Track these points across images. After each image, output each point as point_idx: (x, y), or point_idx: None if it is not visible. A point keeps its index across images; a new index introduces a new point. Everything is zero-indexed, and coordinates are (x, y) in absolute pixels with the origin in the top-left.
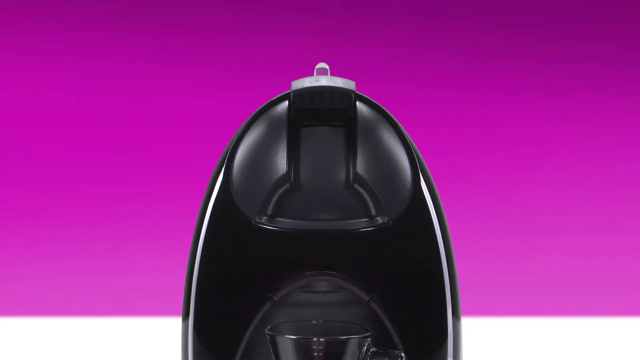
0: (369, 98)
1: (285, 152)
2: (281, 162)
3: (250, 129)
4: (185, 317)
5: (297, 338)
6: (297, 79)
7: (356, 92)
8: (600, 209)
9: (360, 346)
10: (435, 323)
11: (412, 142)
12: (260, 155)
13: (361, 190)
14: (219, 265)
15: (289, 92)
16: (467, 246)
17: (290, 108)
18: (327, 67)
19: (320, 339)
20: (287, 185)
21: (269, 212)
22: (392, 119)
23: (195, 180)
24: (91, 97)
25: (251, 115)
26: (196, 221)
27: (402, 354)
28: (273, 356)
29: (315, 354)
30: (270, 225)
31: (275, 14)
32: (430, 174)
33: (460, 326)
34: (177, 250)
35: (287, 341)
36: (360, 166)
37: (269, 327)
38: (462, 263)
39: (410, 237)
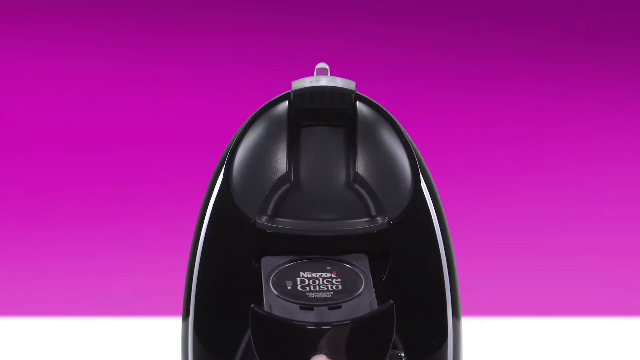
0: (369, 98)
1: (285, 152)
2: (281, 162)
3: (250, 129)
4: (185, 317)
5: None
6: (297, 79)
7: (356, 92)
8: (600, 209)
9: None
10: (435, 323)
11: (412, 142)
12: (260, 155)
13: (361, 190)
14: (219, 265)
15: (289, 92)
16: (467, 246)
17: (290, 108)
18: (327, 67)
19: None
20: (287, 185)
21: (269, 212)
22: (392, 119)
23: (195, 180)
24: (91, 97)
25: (251, 115)
26: (196, 221)
27: (402, 354)
28: None
29: None
30: (269, 225)
31: (275, 14)
32: (430, 174)
33: (460, 326)
34: (177, 250)
35: None
36: (360, 166)
37: None
38: (462, 263)
39: (410, 237)
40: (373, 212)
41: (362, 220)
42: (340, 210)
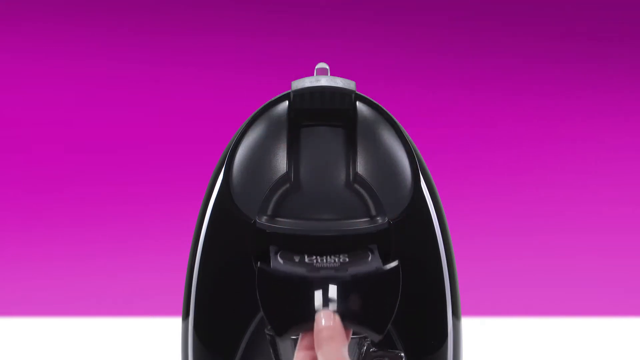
0: (369, 98)
1: (285, 152)
2: (281, 162)
3: (250, 129)
4: (185, 317)
5: (297, 338)
6: (297, 79)
7: (356, 92)
8: (600, 209)
9: (360, 346)
10: (435, 323)
11: (412, 142)
12: (260, 155)
13: (361, 190)
14: (219, 265)
15: (289, 92)
16: (467, 246)
17: (290, 108)
18: (327, 67)
19: None
20: (287, 185)
21: (269, 212)
22: (392, 119)
23: (195, 180)
24: (91, 97)
25: (251, 115)
26: (196, 221)
27: (402, 354)
28: (273, 356)
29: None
30: (269, 225)
31: (275, 14)
32: (430, 174)
33: (460, 326)
34: (177, 250)
35: (287, 341)
36: (360, 166)
37: (269, 327)
38: (462, 263)
39: (410, 237)
40: (373, 212)
41: (362, 220)
42: (340, 211)
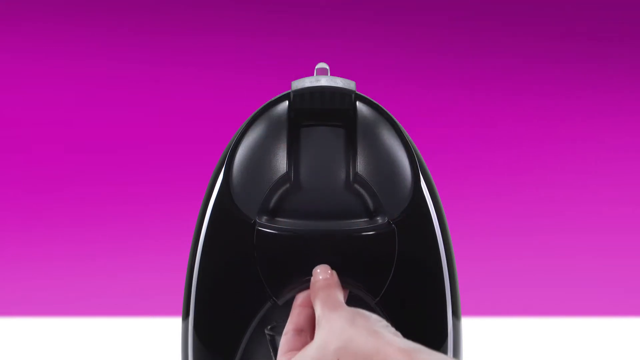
0: (369, 98)
1: (285, 152)
2: (281, 162)
3: (250, 129)
4: (185, 317)
5: None
6: (297, 79)
7: (356, 92)
8: (600, 209)
9: None
10: (435, 323)
11: (412, 142)
12: (260, 155)
13: (361, 190)
14: (219, 265)
15: (289, 92)
16: (467, 246)
17: (290, 108)
18: (327, 67)
19: None
20: (287, 185)
21: (269, 212)
22: (392, 119)
23: (195, 180)
24: (91, 97)
25: (251, 115)
26: (196, 221)
27: None
28: (273, 356)
29: None
30: (269, 225)
31: (275, 14)
32: (430, 174)
33: (460, 326)
34: (177, 250)
35: None
36: (360, 166)
37: (269, 327)
38: (462, 263)
39: (410, 237)
40: (373, 212)
41: (361, 220)
42: (340, 210)
